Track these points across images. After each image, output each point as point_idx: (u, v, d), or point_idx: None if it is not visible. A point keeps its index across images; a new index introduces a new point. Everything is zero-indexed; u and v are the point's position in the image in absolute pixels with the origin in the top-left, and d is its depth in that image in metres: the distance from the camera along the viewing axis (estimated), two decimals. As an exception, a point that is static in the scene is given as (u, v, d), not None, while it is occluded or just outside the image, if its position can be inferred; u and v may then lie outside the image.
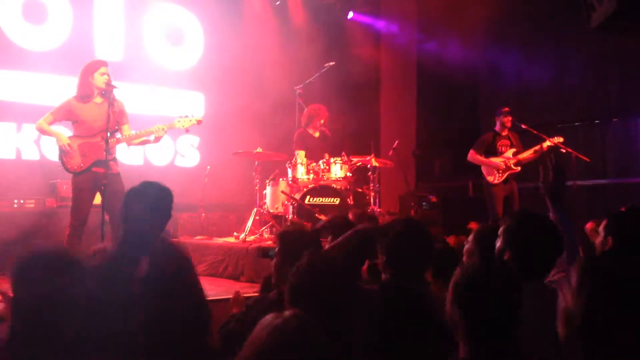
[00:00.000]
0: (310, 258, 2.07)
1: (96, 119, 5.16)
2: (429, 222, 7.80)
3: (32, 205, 6.48)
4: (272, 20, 8.87)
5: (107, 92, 5.13)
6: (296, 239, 2.92)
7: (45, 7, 7.26)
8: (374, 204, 6.93)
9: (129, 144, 5.43)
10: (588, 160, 7.03)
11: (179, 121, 5.47)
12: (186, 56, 8.44)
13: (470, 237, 2.99)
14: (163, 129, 5.32)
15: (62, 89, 7.03)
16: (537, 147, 6.98)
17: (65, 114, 5.25)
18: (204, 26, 8.53)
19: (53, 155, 6.98)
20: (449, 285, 1.82)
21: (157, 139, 5.41)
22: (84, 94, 5.22)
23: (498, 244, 2.48)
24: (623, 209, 3.10)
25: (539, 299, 2.03)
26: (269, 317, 1.39)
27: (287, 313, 1.39)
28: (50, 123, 5.24)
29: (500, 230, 2.49)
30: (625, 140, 8.26)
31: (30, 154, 7.11)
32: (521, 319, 1.74)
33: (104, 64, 5.27)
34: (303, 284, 1.97)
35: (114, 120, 5.13)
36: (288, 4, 9.04)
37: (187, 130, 5.58)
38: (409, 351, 1.84)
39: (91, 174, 5.12)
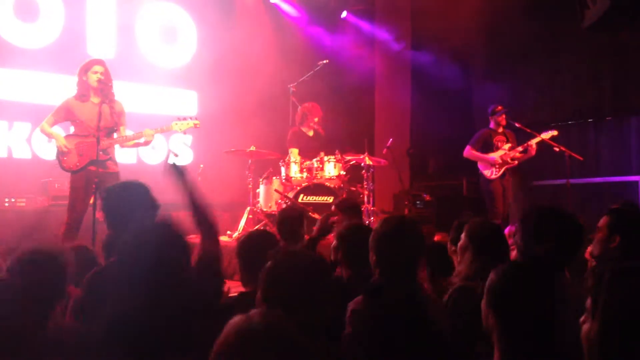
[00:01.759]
0: (282, 254, 2.05)
1: (93, 118, 5.17)
2: (423, 221, 7.81)
3: (23, 204, 6.44)
4: (266, 18, 8.84)
5: (102, 90, 5.12)
6: (255, 246, 2.90)
7: (37, 5, 7.21)
8: (368, 202, 6.92)
9: (122, 146, 5.45)
10: (581, 158, 7.04)
11: (176, 124, 5.50)
12: (179, 54, 8.40)
13: (463, 235, 2.98)
14: (152, 134, 5.35)
15: (54, 86, 6.99)
16: (526, 144, 6.97)
17: (65, 114, 5.30)
18: (197, 24, 8.49)
19: (45, 154, 6.96)
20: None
21: (147, 143, 5.46)
22: (81, 93, 5.29)
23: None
24: (616, 206, 3.08)
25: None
26: (235, 318, 1.36)
27: (252, 312, 1.36)
28: (52, 125, 5.30)
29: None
30: (618, 138, 8.29)
31: (22, 153, 7.06)
32: (558, 321, 1.73)
33: (98, 62, 5.30)
34: (275, 280, 1.95)
35: (112, 120, 5.18)
36: (282, 2, 9.01)
37: (184, 133, 5.61)
38: (397, 354, 1.82)
39: (87, 172, 5.14)
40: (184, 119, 5.56)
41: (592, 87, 8.54)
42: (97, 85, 5.17)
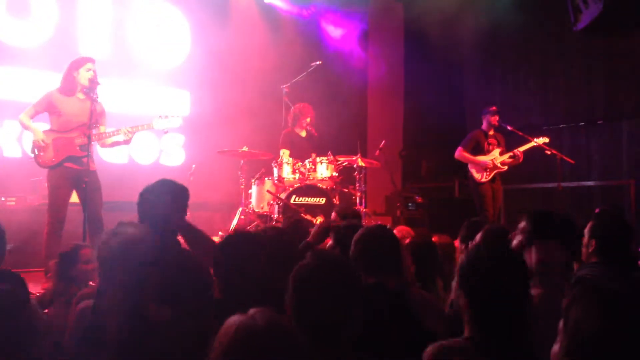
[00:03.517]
0: (317, 257, 2.04)
1: (77, 113, 5.11)
2: (415, 223, 7.83)
3: (13, 203, 6.39)
4: (259, 18, 8.83)
5: (90, 89, 5.07)
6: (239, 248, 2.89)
7: (29, 3, 7.16)
8: (360, 204, 6.91)
9: (101, 145, 5.37)
10: (573, 162, 7.08)
11: (157, 122, 5.42)
12: (173, 54, 8.36)
13: (478, 237, 3.00)
14: (128, 132, 5.22)
15: (44, 85, 6.93)
16: (513, 152, 7.02)
17: (46, 105, 5.18)
18: (191, 24, 8.46)
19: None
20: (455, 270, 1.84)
21: (127, 141, 5.33)
22: (67, 88, 5.18)
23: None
24: (597, 210, 3.13)
25: None
26: (234, 317, 1.37)
27: (252, 311, 1.37)
28: (32, 116, 5.18)
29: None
30: (609, 142, 8.32)
31: (12, 151, 7.00)
32: (529, 303, 1.76)
33: (90, 60, 5.22)
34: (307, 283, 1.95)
35: (95, 118, 5.07)
36: (275, 2, 9.01)
37: (165, 132, 5.52)
38: (386, 350, 1.83)
39: (64, 169, 5.06)
40: (166, 117, 5.47)
41: (584, 91, 8.58)
42: (88, 85, 5.10)
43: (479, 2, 8.33)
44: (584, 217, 3.43)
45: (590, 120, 8.55)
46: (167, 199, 2.94)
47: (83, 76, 5.13)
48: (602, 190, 8.26)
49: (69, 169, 5.01)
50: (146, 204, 2.94)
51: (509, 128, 7.19)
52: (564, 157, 6.96)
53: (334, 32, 9.51)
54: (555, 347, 1.47)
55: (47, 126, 5.30)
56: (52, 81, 6.64)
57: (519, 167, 7.25)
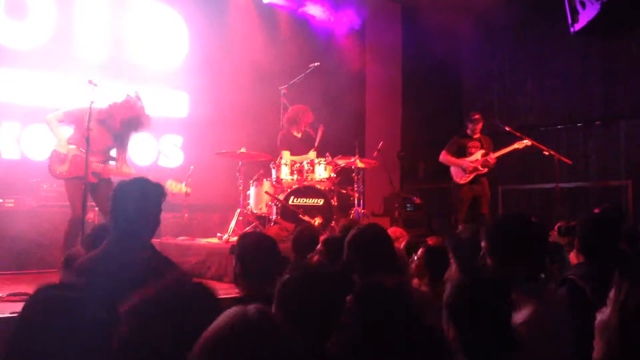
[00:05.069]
0: (304, 265, 2.08)
1: (96, 139, 5.13)
2: (413, 224, 7.84)
3: (11, 205, 6.38)
4: (257, 20, 8.83)
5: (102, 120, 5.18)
6: (255, 244, 2.89)
7: (27, 5, 7.16)
8: (358, 205, 6.92)
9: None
10: (570, 162, 7.10)
11: (170, 184, 5.47)
12: (171, 55, 8.36)
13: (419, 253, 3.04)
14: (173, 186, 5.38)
15: (43, 86, 6.96)
16: (485, 157, 7.07)
17: (75, 120, 5.22)
18: (189, 25, 8.46)
19: (34, 155, 6.91)
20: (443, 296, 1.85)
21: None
22: (101, 118, 5.23)
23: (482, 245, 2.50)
24: (597, 210, 3.15)
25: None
26: (232, 309, 1.41)
27: (250, 306, 1.40)
28: (60, 121, 5.23)
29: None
30: (607, 143, 8.34)
31: (11, 153, 7.00)
32: (514, 329, 1.76)
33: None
34: (296, 290, 1.98)
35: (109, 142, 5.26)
36: (273, 3, 9.02)
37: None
38: (386, 349, 1.84)
39: (76, 181, 5.11)
40: (180, 181, 5.62)
41: (581, 92, 8.60)
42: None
43: (478, 2, 8.35)
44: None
45: (587, 120, 8.57)
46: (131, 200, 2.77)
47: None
48: (599, 191, 8.28)
49: (80, 178, 5.04)
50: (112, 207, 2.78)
51: (507, 129, 7.24)
52: (562, 158, 6.98)
53: (331, 32, 9.53)
54: (603, 316, 1.49)
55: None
56: (50, 83, 6.65)
57: (517, 167, 7.29)
